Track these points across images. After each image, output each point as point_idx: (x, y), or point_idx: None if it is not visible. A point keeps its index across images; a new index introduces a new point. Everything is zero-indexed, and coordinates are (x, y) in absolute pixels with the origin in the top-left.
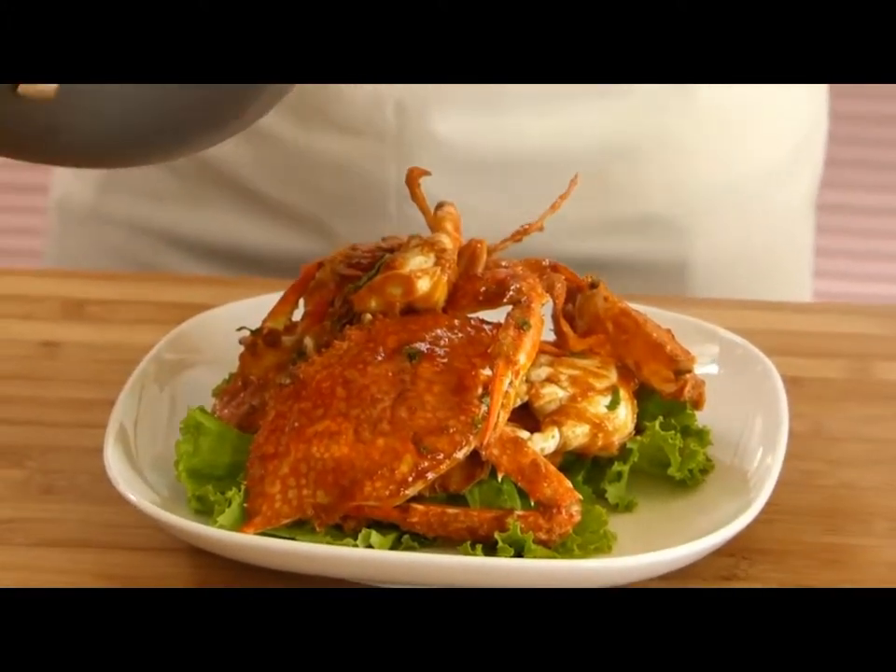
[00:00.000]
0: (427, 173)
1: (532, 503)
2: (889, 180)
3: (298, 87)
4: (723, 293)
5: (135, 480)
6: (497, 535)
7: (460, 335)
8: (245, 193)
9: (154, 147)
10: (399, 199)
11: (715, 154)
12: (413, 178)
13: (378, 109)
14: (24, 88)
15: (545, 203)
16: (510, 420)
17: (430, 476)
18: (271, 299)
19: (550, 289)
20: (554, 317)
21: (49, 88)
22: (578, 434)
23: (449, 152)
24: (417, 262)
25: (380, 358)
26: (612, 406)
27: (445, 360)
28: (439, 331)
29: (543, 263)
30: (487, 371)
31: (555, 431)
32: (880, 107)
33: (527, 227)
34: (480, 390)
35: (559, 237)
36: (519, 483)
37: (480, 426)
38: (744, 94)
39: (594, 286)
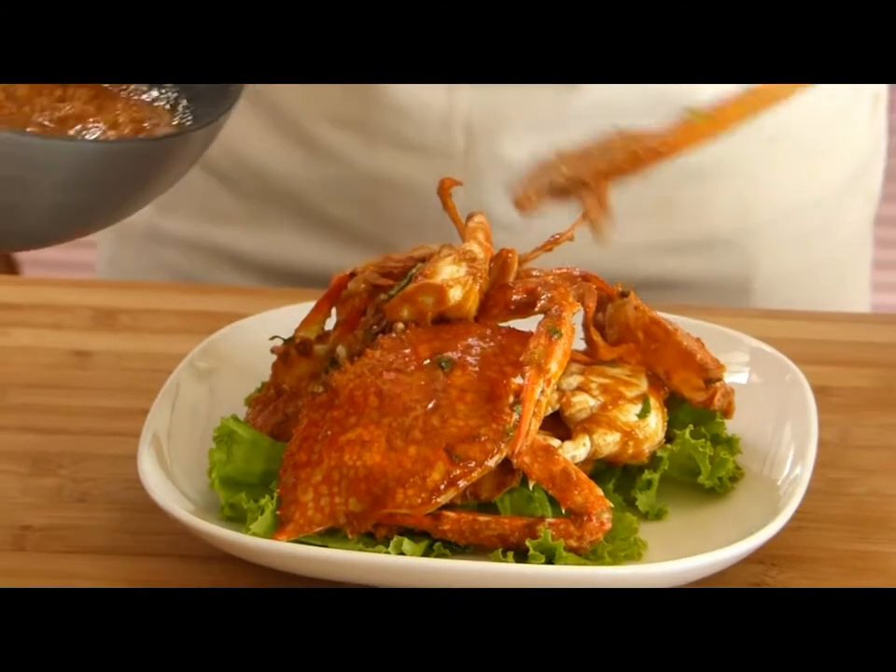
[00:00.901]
0: (458, 183)
1: (563, 511)
2: None
3: (363, 105)
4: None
5: (169, 488)
6: (528, 542)
7: (492, 344)
8: (307, 212)
9: (76, 223)
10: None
11: (779, 177)
12: (444, 189)
13: (447, 130)
14: None
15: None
16: (541, 428)
17: (462, 484)
18: (303, 308)
19: (580, 299)
20: (585, 326)
21: None
22: (609, 442)
23: (516, 174)
24: (449, 272)
25: (412, 367)
26: (643, 414)
27: (477, 369)
28: (470, 340)
29: (574, 273)
30: (519, 380)
31: (586, 439)
32: None
33: (558, 236)
34: (511, 399)
35: (626, 256)
36: (550, 491)
37: (511, 434)
38: (808, 120)
39: (624, 295)
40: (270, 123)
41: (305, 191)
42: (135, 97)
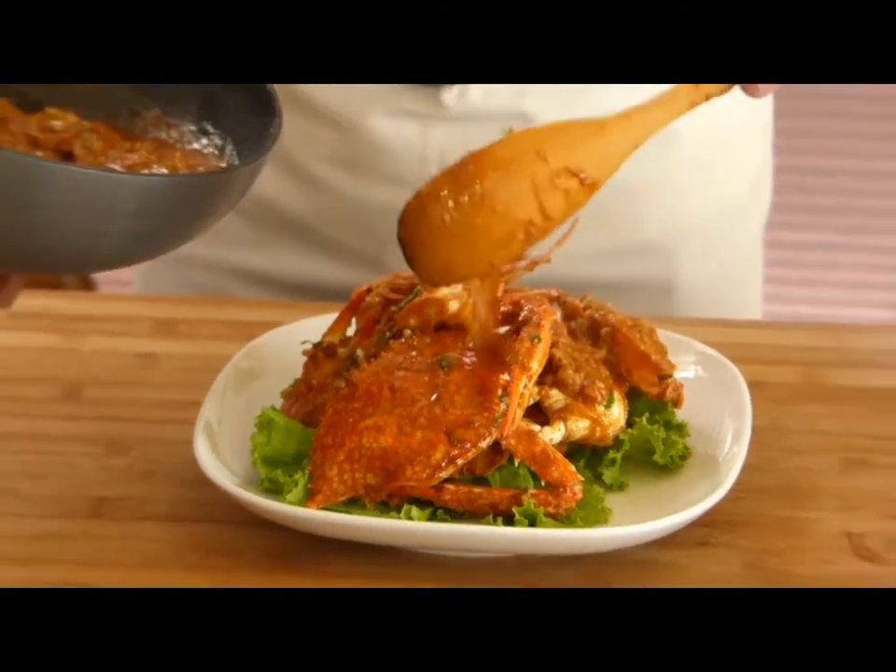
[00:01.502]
0: None
1: (543, 483)
2: (821, 222)
3: (354, 146)
4: (702, 310)
5: (219, 465)
6: (514, 509)
7: (483, 346)
8: (305, 234)
9: (139, 251)
10: None
11: (694, 191)
12: None
13: (423, 165)
14: None
15: (565, 246)
16: (524, 416)
17: (460, 462)
18: (328, 318)
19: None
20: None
21: None
22: (580, 427)
23: None
24: (448, 288)
25: (418, 366)
26: (608, 405)
27: (471, 368)
28: (466, 345)
29: (553, 293)
30: (506, 377)
31: (561, 425)
32: (819, 161)
33: (538, 258)
34: (500, 392)
35: (566, 264)
36: (532, 468)
37: (500, 420)
38: (715, 144)
39: (590, 307)
40: (277, 163)
41: (307, 218)
42: (188, 147)
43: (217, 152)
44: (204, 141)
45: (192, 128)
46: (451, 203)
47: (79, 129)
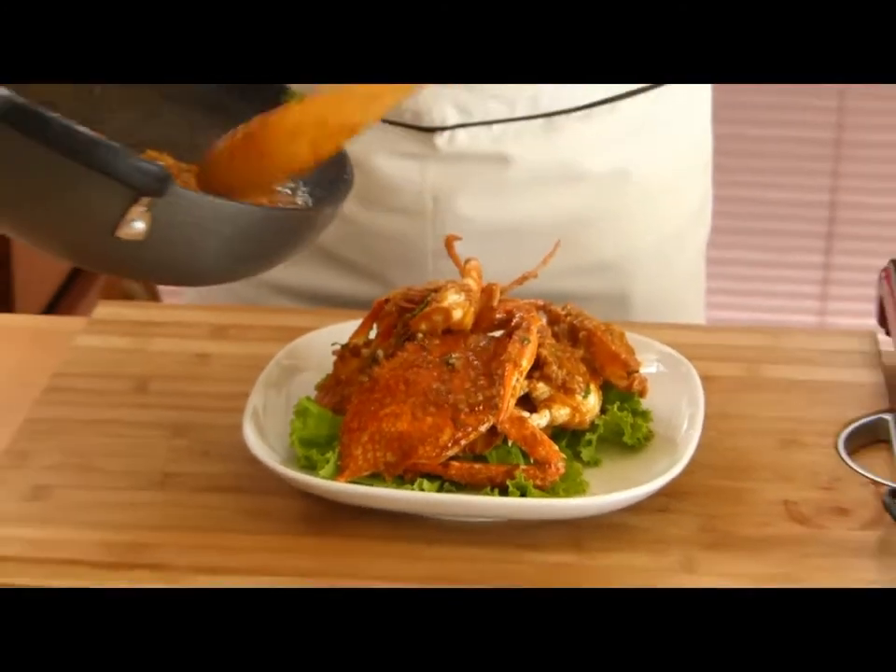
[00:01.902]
0: (459, 238)
1: (531, 461)
2: (755, 243)
3: (362, 182)
4: (651, 318)
5: (264, 446)
6: (508, 482)
7: (482, 346)
8: (327, 255)
9: (246, 269)
10: (434, 258)
11: (644, 221)
12: (450, 242)
13: (420, 198)
14: (120, 231)
15: (533, 259)
16: (516, 405)
17: (463, 443)
18: (353, 324)
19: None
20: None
21: (140, 230)
22: (562, 414)
23: (468, 226)
24: (453, 299)
25: (428, 364)
26: (585, 395)
27: (472, 365)
28: (468, 346)
29: (539, 302)
30: (501, 372)
31: (547, 412)
32: (754, 193)
33: (527, 274)
34: (496, 384)
35: (543, 279)
36: (522, 447)
37: (496, 408)
38: (660, 179)
39: (570, 315)
40: None
41: (325, 242)
42: None
43: (290, 192)
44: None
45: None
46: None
47: (178, 169)
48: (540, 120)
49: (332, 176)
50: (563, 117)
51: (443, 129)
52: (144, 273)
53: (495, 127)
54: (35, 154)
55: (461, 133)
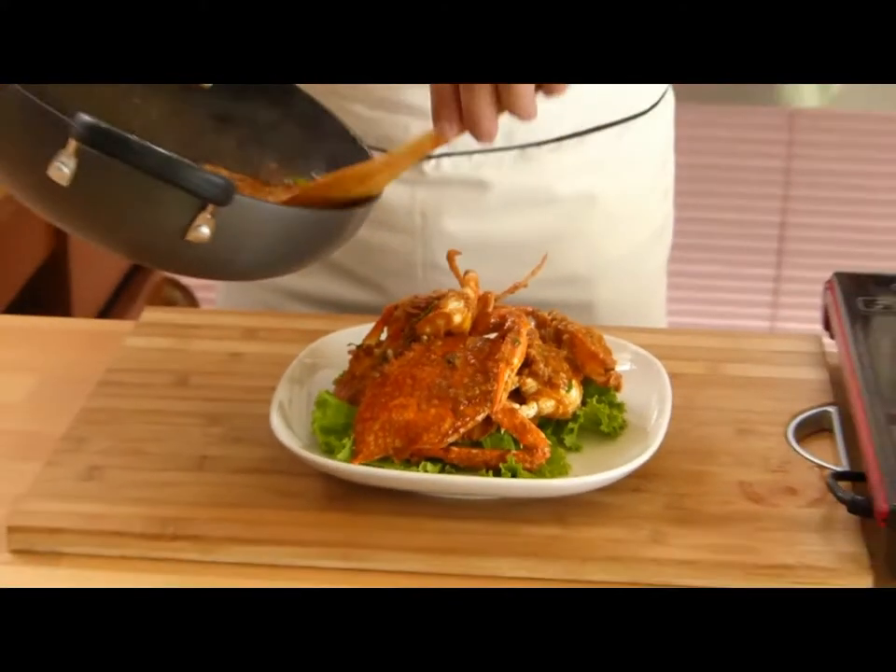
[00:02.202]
0: (459, 253)
1: (521, 446)
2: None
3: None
4: (619, 323)
5: (289, 433)
6: (501, 465)
7: (478, 347)
8: (333, 266)
9: (288, 266)
10: (423, 269)
11: (609, 238)
12: (451, 256)
13: (410, 215)
14: (189, 235)
15: (509, 271)
16: (508, 397)
17: (462, 431)
18: (366, 327)
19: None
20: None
21: (206, 235)
22: (548, 406)
23: (452, 242)
24: (454, 305)
25: (432, 362)
26: (568, 390)
27: (470, 363)
28: (466, 346)
29: (528, 309)
30: (495, 369)
31: (535, 404)
32: (717, 215)
33: (518, 284)
34: (490, 380)
35: (532, 289)
36: (514, 435)
37: (491, 400)
38: (624, 201)
39: (555, 320)
40: None
41: (333, 254)
42: None
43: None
44: None
45: (302, 179)
46: None
47: (232, 178)
48: (515, 151)
49: None
50: (535, 148)
51: (430, 157)
52: (203, 271)
53: (475, 156)
54: (115, 171)
55: (445, 161)
